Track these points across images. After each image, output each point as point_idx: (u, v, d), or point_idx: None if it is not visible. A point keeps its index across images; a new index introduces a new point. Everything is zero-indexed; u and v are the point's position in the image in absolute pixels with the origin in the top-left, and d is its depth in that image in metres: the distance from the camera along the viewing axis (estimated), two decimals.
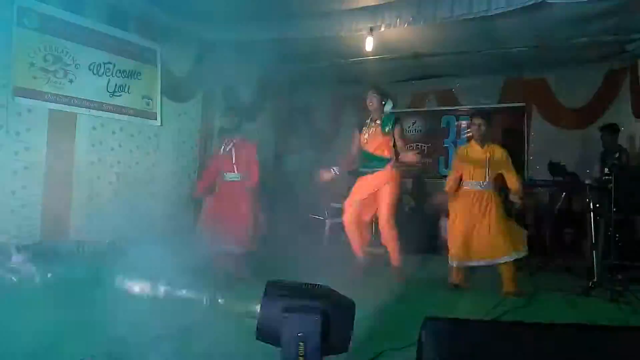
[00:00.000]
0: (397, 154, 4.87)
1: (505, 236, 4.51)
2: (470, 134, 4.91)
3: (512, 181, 4.65)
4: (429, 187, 8.26)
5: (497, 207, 4.61)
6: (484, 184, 4.66)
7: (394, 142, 4.84)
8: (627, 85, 7.06)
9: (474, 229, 4.60)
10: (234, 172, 5.08)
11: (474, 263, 4.63)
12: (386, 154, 4.83)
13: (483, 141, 4.73)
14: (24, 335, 2.71)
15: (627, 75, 7.08)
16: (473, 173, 4.70)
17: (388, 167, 4.79)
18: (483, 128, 4.69)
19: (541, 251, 6.00)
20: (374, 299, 4.01)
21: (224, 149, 5.17)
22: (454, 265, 4.67)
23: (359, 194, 4.86)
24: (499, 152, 4.70)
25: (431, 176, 8.71)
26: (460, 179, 4.83)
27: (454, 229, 4.73)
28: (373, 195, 4.83)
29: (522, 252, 4.55)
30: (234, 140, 5.13)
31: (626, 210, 4.93)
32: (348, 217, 4.89)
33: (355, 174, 5.18)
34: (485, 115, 4.84)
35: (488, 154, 4.67)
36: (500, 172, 4.69)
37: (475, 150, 4.74)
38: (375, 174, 4.81)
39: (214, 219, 5.02)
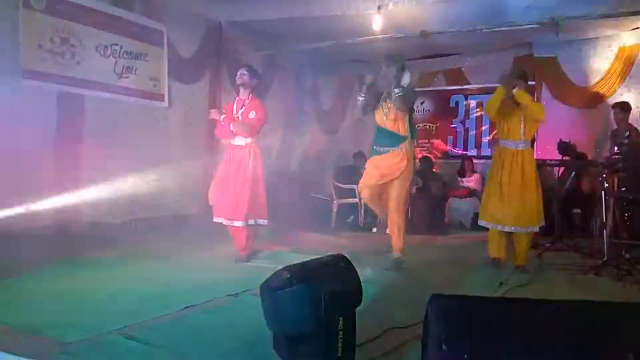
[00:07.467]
0: (413, 131, 4.54)
1: (536, 203, 4.38)
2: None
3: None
4: (437, 167, 8.24)
5: (533, 169, 4.43)
6: (521, 143, 4.47)
7: (410, 118, 4.43)
8: (639, 64, 6.96)
9: (506, 191, 4.41)
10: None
11: (505, 228, 4.46)
12: (402, 131, 4.41)
13: None
14: None
15: (639, 53, 6.97)
16: (509, 131, 4.49)
17: (402, 146, 4.39)
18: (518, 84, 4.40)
19: (549, 230, 5.98)
20: (380, 277, 4.06)
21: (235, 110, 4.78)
22: (487, 227, 4.55)
23: (372, 179, 4.45)
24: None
25: (439, 156, 8.70)
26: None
27: (487, 190, 4.61)
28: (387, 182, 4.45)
29: (539, 225, 4.47)
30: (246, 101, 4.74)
31: (635, 189, 4.90)
32: (366, 197, 4.62)
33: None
34: (517, 69, 4.54)
35: (524, 112, 4.39)
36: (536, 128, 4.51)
37: (510, 106, 4.44)
38: (388, 155, 4.38)
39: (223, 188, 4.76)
